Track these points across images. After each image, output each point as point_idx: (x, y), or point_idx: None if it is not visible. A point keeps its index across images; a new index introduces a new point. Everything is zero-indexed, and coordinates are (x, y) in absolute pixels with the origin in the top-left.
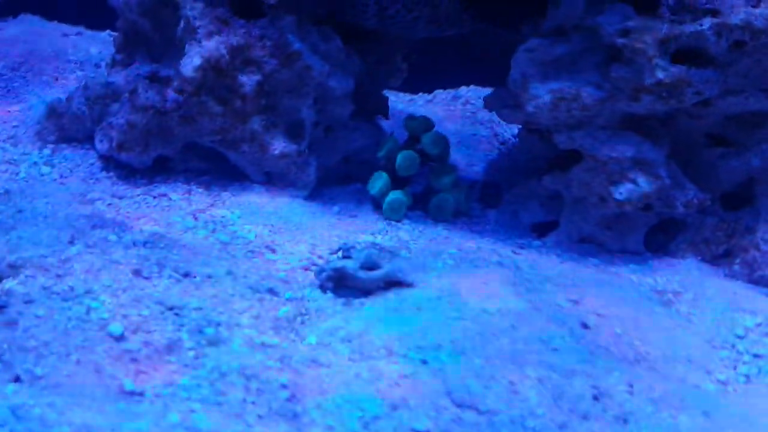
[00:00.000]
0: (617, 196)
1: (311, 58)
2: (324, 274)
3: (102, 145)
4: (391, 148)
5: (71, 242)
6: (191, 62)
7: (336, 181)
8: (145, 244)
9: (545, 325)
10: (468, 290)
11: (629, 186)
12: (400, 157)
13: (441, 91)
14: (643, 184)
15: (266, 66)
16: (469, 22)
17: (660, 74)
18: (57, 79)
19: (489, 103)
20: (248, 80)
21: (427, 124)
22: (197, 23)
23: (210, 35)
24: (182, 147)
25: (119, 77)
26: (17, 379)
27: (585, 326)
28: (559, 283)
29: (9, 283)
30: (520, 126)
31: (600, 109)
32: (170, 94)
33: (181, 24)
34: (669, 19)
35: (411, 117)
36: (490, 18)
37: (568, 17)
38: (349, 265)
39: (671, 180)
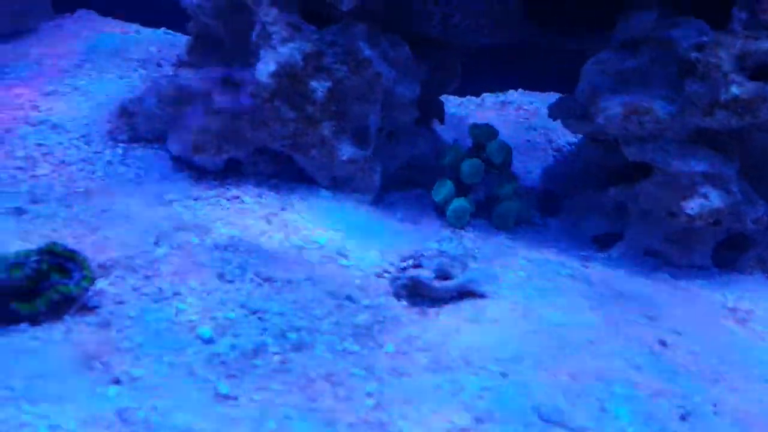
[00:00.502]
0: (688, 210)
1: (381, 65)
2: (399, 283)
3: (176, 147)
4: (455, 156)
5: (157, 244)
6: (267, 68)
7: (396, 185)
8: (226, 248)
9: (624, 341)
10: (543, 303)
11: (700, 201)
12: (466, 165)
13: (489, 94)
14: (715, 199)
15: (337, 72)
16: (532, 30)
17: (736, 90)
18: (121, 78)
19: (554, 112)
20: (319, 86)
21: (491, 132)
22: (272, 29)
23: (284, 41)
24: (253, 150)
25: (192, 80)
26: (117, 381)
27: (663, 344)
28: (633, 299)
29: (100, 284)
30: (576, 134)
31: (671, 122)
32: (244, 98)
33: (256, 29)
34: (743, 35)
35: (475, 125)
36: (555, 27)
37: (638, 30)
38: (424, 274)
39: (742, 195)
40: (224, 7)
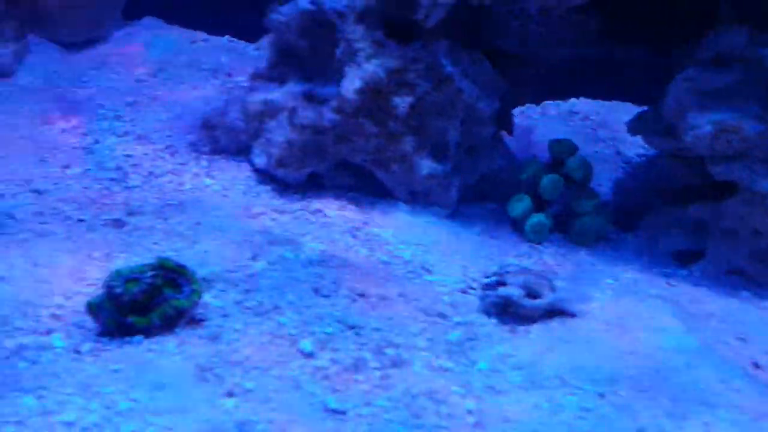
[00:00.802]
0: None
1: (462, 81)
2: (488, 300)
3: (260, 160)
4: (535, 171)
5: (254, 258)
6: (352, 84)
7: (471, 199)
8: (320, 263)
9: (720, 363)
10: (636, 324)
11: None
12: (546, 181)
13: (550, 102)
14: None
15: (419, 88)
16: (612, 45)
17: None
18: (195, 88)
19: (634, 128)
20: (402, 102)
21: (571, 147)
22: (357, 46)
23: (369, 58)
24: (333, 164)
25: (277, 95)
26: (231, 394)
27: (756, 366)
28: (723, 319)
29: (204, 297)
30: (657, 149)
31: (759, 141)
32: (327, 114)
33: (341, 46)
34: None
35: (557, 141)
36: (636, 42)
37: (727, 47)
38: (514, 293)
39: None
40: (309, 24)
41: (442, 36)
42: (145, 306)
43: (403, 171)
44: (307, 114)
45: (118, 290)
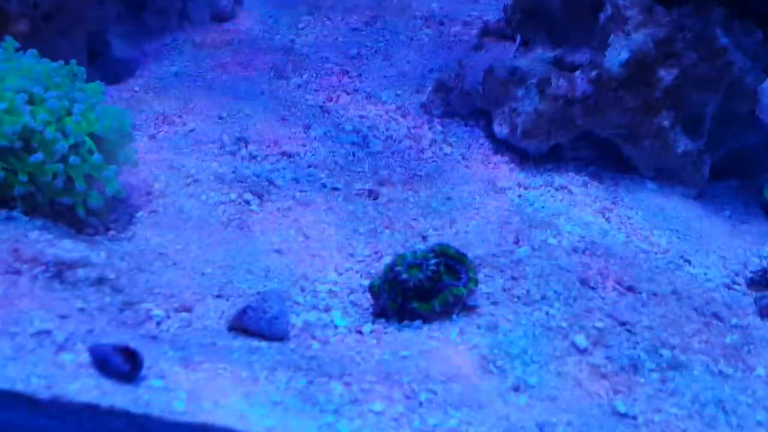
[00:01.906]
0: None
1: (734, 54)
2: (764, 302)
3: (501, 129)
4: None
5: (516, 243)
6: (618, 57)
7: (715, 174)
8: (584, 251)
9: None
10: None
11: None
12: None
13: None
14: None
15: (685, 60)
16: None
17: None
18: (412, 39)
19: None
20: (667, 75)
21: None
22: (628, 13)
23: (638, 27)
24: (576, 136)
25: (523, 62)
26: (517, 389)
27: None
28: None
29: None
30: None
31: None
32: (582, 84)
33: (607, 10)
34: None
35: None
36: None
37: None
38: None
39: None
40: None
41: (715, 2)
42: (426, 292)
43: (654, 147)
44: (560, 84)
45: (404, 276)
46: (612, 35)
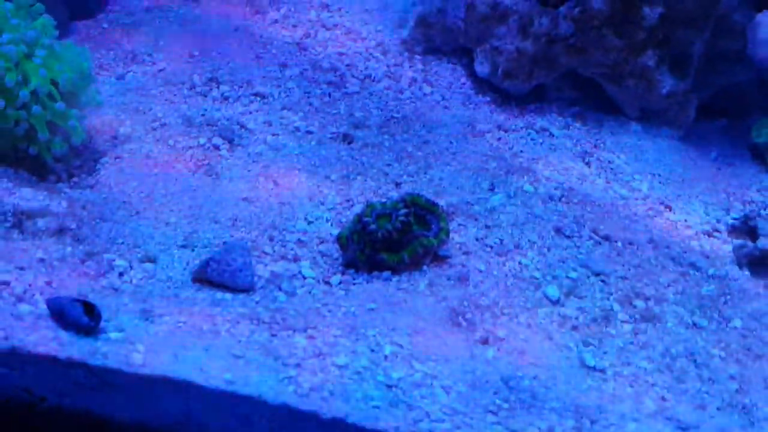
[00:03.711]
0: None
1: None
2: (744, 251)
3: (482, 68)
4: None
5: (491, 190)
6: None
7: (702, 114)
8: (560, 199)
9: None
10: None
11: None
12: None
13: None
14: None
15: None
16: None
17: None
18: None
19: None
20: (651, 12)
21: None
22: None
23: None
24: (560, 75)
25: None
26: (485, 341)
27: None
28: None
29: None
30: None
31: None
32: (565, 23)
33: None
34: None
35: None
36: None
37: None
38: None
39: None
40: None
41: None
42: (396, 242)
43: (638, 88)
44: (542, 21)
45: (372, 227)
46: None
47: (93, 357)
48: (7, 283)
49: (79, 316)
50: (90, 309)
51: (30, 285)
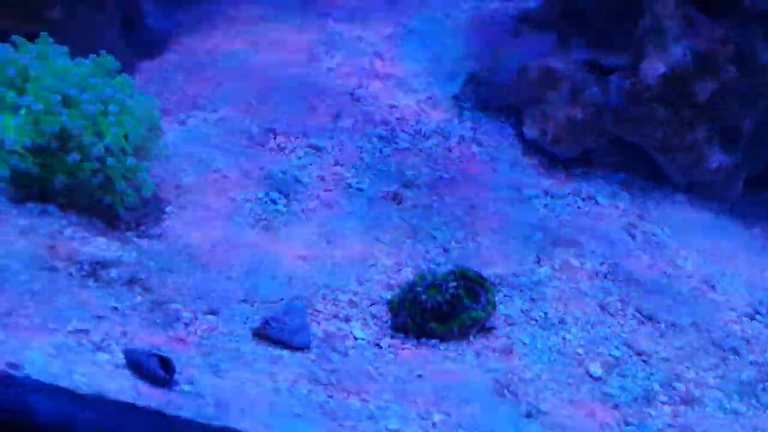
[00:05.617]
0: None
1: None
2: None
3: (531, 132)
4: None
5: (538, 262)
6: (655, 70)
7: (747, 185)
8: (606, 275)
9: None
10: None
11: None
12: None
13: None
14: None
15: (724, 74)
16: None
17: None
18: (447, 16)
19: None
20: (703, 89)
21: None
22: (667, 24)
23: (677, 39)
24: (607, 141)
25: (558, 63)
26: (529, 415)
27: None
28: None
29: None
30: None
31: None
32: (616, 94)
33: (647, 19)
34: None
35: None
36: None
37: None
38: None
39: None
40: None
41: (757, 17)
42: (445, 313)
43: (688, 160)
44: (593, 92)
45: (423, 297)
46: (650, 46)
47: (168, 407)
48: (86, 332)
49: (155, 369)
50: (164, 362)
51: (107, 334)
